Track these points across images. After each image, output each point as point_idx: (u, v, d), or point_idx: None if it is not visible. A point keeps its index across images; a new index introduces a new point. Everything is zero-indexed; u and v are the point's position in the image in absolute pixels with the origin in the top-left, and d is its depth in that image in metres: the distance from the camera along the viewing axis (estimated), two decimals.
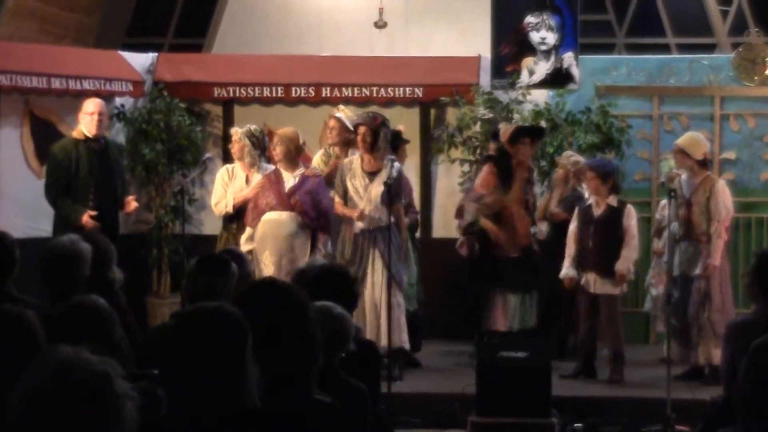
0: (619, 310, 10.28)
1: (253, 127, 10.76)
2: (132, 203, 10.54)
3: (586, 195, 10.72)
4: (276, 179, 10.23)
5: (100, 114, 10.32)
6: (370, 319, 9.70)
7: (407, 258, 10.53)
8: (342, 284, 5.64)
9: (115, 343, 4.81)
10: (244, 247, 10.06)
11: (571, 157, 11.15)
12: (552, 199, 11.16)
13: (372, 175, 9.92)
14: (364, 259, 9.86)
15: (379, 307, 9.72)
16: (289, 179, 10.19)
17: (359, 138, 10.02)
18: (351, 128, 10.69)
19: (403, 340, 10.00)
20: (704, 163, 10.20)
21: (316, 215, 10.14)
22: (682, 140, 10.28)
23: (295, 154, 10.24)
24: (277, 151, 10.20)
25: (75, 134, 10.37)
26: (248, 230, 10.25)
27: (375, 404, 5.16)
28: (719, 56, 13.05)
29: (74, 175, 10.15)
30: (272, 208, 10.11)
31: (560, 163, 11.20)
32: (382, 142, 9.98)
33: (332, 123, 10.87)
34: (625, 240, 10.06)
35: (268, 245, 9.98)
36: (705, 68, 12.40)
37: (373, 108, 11.89)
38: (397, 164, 10.01)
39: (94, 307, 4.81)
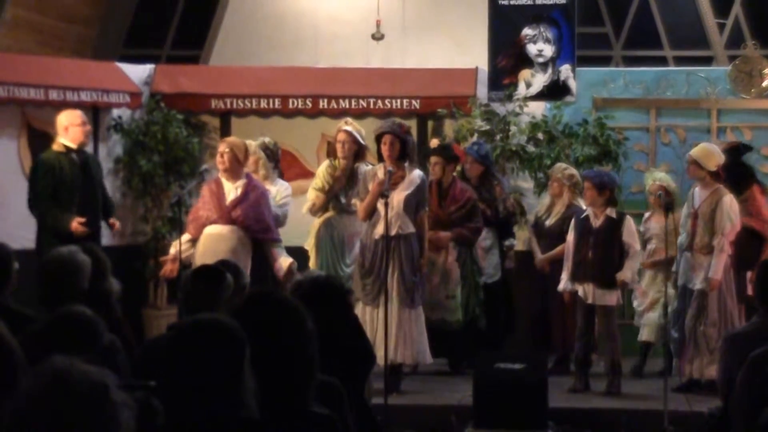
0: (616, 322, 10.28)
1: (266, 139, 10.76)
2: (116, 225, 10.64)
3: (584, 207, 10.71)
4: (217, 190, 10.04)
5: (86, 125, 10.34)
6: (383, 332, 9.55)
7: (449, 272, 10.51)
8: (335, 296, 5.59)
9: (104, 350, 4.80)
10: (172, 250, 10.00)
11: (565, 170, 11.08)
12: (551, 216, 11.11)
13: (395, 184, 9.77)
14: (382, 270, 9.68)
15: (392, 319, 9.62)
16: (231, 190, 10.02)
17: (385, 147, 9.82)
18: (361, 141, 10.64)
19: (420, 351, 9.93)
20: (717, 175, 10.15)
21: (259, 228, 9.98)
22: (695, 151, 10.22)
23: (240, 164, 10.11)
24: (225, 159, 9.98)
25: (56, 147, 10.26)
26: (186, 235, 9.96)
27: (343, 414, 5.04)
28: (716, 69, 13.07)
29: (59, 186, 10.13)
30: (213, 222, 9.94)
31: (553, 176, 11.13)
32: (410, 150, 9.90)
33: (342, 137, 10.66)
34: (630, 252, 10.06)
35: (209, 260, 9.58)
36: (702, 81, 12.42)
37: (370, 120, 11.91)
38: (418, 172, 9.98)
39: (78, 317, 4.81)
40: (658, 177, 10.96)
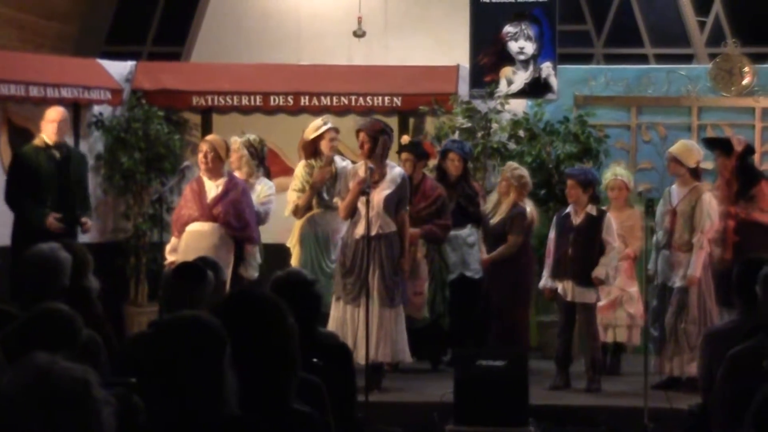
0: (596, 319, 10.29)
1: (252, 137, 10.78)
2: (88, 224, 10.58)
3: (528, 210, 10.63)
4: (198, 189, 10.02)
5: (59, 122, 10.40)
6: (363, 331, 9.53)
7: (417, 268, 10.49)
8: (302, 290, 5.54)
9: (83, 347, 4.80)
10: (168, 257, 9.93)
11: (515, 169, 10.85)
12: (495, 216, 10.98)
13: (375, 182, 9.76)
14: (363, 269, 9.64)
15: (373, 318, 9.60)
16: (212, 188, 10.00)
17: (358, 144, 9.91)
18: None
19: (400, 350, 9.92)
20: (696, 172, 10.19)
21: (239, 226, 9.95)
22: (675, 148, 10.27)
23: (222, 162, 10.08)
24: (208, 158, 9.97)
25: (37, 141, 10.42)
26: (173, 240, 10.02)
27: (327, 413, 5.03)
28: (697, 67, 13.12)
29: (34, 181, 10.20)
30: (195, 220, 9.92)
31: (503, 175, 10.93)
32: (380, 148, 9.88)
33: (333, 134, 10.75)
34: (606, 249, 10.06)
35: (191, 257, 9.42)
36: (682, 79, 12.46)
37: (351, 117, 11.92)
38: (399, 170, 9.97)
39: (56, 314, 4.81)
40: (618, 172, 10.94)
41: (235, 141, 10.64)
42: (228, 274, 9.57)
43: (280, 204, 10.97)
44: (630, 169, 12.23)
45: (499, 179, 11.09)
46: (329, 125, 10.75)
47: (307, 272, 5.90)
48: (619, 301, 10.67)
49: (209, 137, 10.41)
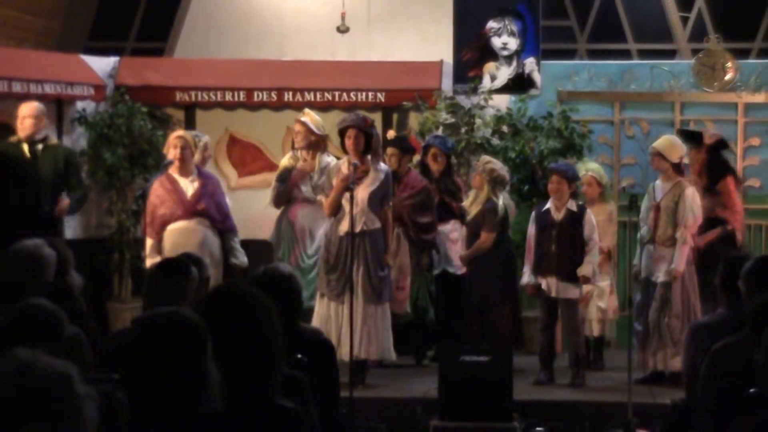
0: (579, 315, 10.30)
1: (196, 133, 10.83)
2: (63, 202, 10.15)
3: (500, 204, 10.56)
4: (173, 187, 9.93)
5: (33, 117, 10.19)
6: (347, 328, 9.51)
7: (401, 263, 10.46)
8: (280, 285, 5.53)
9: (68, 343, 4.80)
10: (149, 260, 9.71)
11: (487, 163, 10.69)
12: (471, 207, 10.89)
13: (359, 179, 9.70)
14: (347, 266, 9.60)
15: (356, 315, 9.58)
16: (187, 185, 9.93)
17: (350, 141, 9.74)
18: (316, 132, 10.67)
19: (386, 348, 9.90)
20: (679, 168, 10.21)
21: (221, 218, 9.95)
22: (658, 143, 10.28)
23: (193, 157, 10.07)
24: (186, 153, 9.92)
25: (12, 138, 10.32)
26: (149, 242, 9.83)
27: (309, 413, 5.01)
28: (680, 62, 13.15)
29: None
30: (178, 218, 9.83)
31: (476, 169, 10.79)
32: (375, 143, 9.87)
33: (297, 127, 10.80)
34: (588, 245, 10.08)
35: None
36: (665, 74, 12.48)
37: (335, 112, 11.91)
38: (383, 166, 9.96)
39: (41, 310, 4.80)
40: (590, 167, 10.94)
41: (201, 137, 10.68)
42: (210, 268, 9.55)
43: (261, 200, 10.98)
44: (613, 165, 12.27)
45: (473, 174, 11.05)
46: (302, 118, 10.78)
47: (285, 266, 5.89)
48: (590, 296, 10.65)
49: (181, 132, 10.35)
